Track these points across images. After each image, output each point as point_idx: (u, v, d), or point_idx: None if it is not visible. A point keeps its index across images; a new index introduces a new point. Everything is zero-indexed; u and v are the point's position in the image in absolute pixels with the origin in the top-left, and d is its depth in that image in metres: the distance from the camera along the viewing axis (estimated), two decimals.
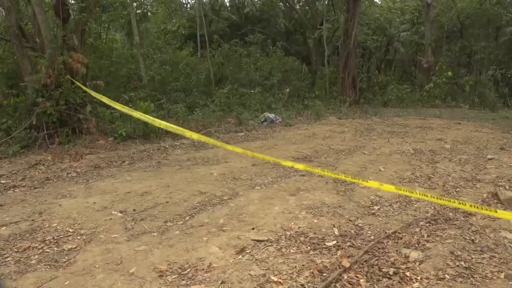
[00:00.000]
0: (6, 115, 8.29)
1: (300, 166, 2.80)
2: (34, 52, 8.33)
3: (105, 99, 5.95)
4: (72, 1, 10.24)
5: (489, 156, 6.67)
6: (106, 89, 9.54)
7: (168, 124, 4.38)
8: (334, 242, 3.50)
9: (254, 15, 22.07)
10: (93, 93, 6.75)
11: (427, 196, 2.21)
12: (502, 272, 2.97)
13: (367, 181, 2.58)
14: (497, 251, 3.32)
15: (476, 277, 2.92)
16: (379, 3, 23.68)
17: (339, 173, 2.64)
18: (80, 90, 8.00)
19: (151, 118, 5.05)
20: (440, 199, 2.15)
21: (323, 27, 17.24)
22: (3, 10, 9.69)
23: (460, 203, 2.05)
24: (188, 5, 24.92)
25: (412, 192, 2.35)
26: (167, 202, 4.60)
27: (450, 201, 2.14)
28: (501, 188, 4.92)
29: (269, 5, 22.17)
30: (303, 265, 3.08)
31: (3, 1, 8.08)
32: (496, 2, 18.32)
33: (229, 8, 23.27)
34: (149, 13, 18.78)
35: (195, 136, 3.83)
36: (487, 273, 2.97)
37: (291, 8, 21.65)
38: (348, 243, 3.49)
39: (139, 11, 17.16)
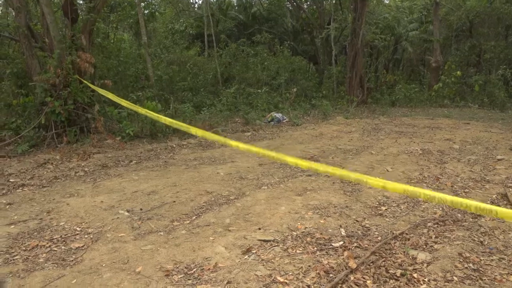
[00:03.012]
0: (15, 115, 8.38)
1: (304, 163, 2.79)
2: (43, 52, 8.41)
3: (110, 96, 5.99)
4: (81, 1, 10.32)
5: (499, 157, 6.59)
6: (113, 89, 9.62)
7: (173, 120, 4.39)
8: (341, 242, 3.49)
9: (261, 14, 22.07)
10: (100, 90, 6.80)
11: (434, 198, 2.18)
12: (511, 275, 2.93)
13: (370, 180, 2.53)
14: (506, 253, 3.28)
15: (484, 279, 2.89)
16: (387, 2, 23.54)
17: (347, 170, 2.62)
18: (88, 90, 8.06)
19: (156, 114, 5.08)
20: (448, 200, 2.12)
21: (331, 27, 17.17)
22: (12, 10, 9.78)
23: (467, 206, 2.02)
24: (196, 5, 25.00)
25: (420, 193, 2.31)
26: (174, 202, 4.61)
27: (460, 204, 2.10)
28: (510, 189, 4.87)
29: (276, 5, 22.15)
30: (309, 266, 3.07)
31: (13, 1, 8.16)
32: (506, 0, 18.09)
33: (236, 8, 23.29)
34: (157, 13, 18.87)
35: (200, 133, 3.82)
36: (496, 275, 2.93)
37: (299, 8, 21.60)
38: (355, 244, 3.47)
39: (147, 11, 17.26)
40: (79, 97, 7.98)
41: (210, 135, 3.81)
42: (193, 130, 3.93)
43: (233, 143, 3.41)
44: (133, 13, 15.52)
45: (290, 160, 2.86)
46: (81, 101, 8.07)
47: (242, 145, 3.30)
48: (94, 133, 8.13)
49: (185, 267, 3.08)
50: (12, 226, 3.96)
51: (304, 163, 2.79)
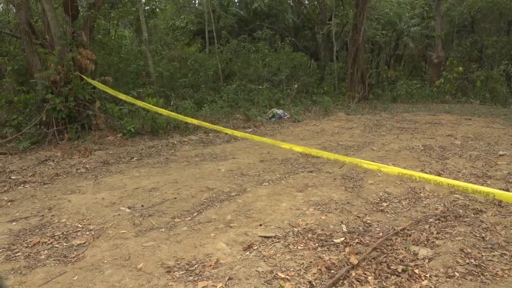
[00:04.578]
0: (16, 112, 8.40)
1: (298, 148, 2.81)
2: (43, 49, 8.40)
3: (110, 91, 5.99)
4: None
5: (501, 152, 6.57)
6: (114, 85, 9.59)
7: (170, 112, 4.39)
8: (342, 239, 3.48)
9: (262, 10, 21.97)
10: (100, 86, 6.80)
11: (429, 180, 2.18)
12: None
13: (365, 164, 2.54)
14: (508, 248, 3.27)
15: (486, 275, 2.88)
16: None
17: (337, 155, 2.65)
18: (89, 87, 8.06)
19: (150, 105, 5.08)
20: (445, 183, 2.12)
21: (332, 22, 17.10)
22: (13, 7, 9.76)
23: (463, 188, 2.02)
24: (197, 1, 24.91)
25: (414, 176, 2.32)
26: (175, 198, 4.62)
27: (458, 186, 2.10)
28: None
29: (277, 1, 22.05)
30: (310, 262, 3.07)
31: None
32: None
33: (237, 4, 23.20)
34: (157, 10, 18.82)
35: (195, 121, 3.85)
36: (498, 271, 2.92)
37: (300, 3, 21.51)
38: (356, 240, 3.46)
39: (148, 7, 17.21)
40: (80, 94, 7.98)
41: (200, 122, 3.82)
42: (189, 120, 3.94)
43: (225, 129, 3.43)
44: (134, 10, 15.46)
45: (284, 145, 2.88)
46: (82, 98, 8.08)
47: (237, 133, 3.30)
48: (95, 130, 8.13)
49: (187, 264, 3.09)
50: (14, 223, 3.97)
51: (298, 148, 2.81)
